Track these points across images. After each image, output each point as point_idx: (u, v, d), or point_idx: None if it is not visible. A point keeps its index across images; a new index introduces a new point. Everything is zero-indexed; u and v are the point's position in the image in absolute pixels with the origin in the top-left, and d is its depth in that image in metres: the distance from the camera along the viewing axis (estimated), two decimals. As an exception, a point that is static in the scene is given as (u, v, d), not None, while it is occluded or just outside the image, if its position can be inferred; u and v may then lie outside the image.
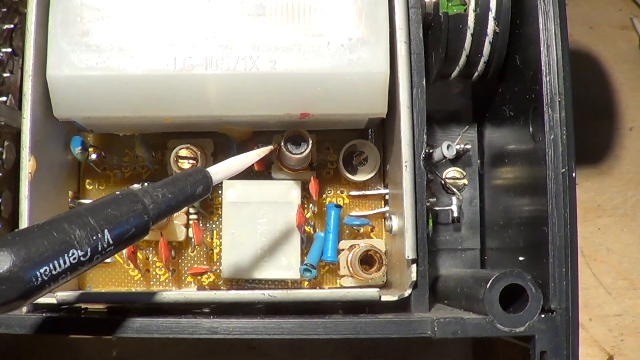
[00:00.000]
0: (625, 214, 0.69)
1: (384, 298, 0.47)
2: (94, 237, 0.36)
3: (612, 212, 0.69)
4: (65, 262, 0.34)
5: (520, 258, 0.49)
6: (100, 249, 0.36)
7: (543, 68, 0.45)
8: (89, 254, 0.36)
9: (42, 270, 0.33)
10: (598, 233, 0.69)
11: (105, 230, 0.37)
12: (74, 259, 0.35)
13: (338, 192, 0.56)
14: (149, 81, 0.46)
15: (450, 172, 0.58)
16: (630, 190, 0.70)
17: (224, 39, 0.46)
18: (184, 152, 0.51)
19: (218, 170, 0.44)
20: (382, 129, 0.55)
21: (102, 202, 0.38)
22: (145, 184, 0.55)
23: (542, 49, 0.46)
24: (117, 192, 0.39)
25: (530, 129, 0.47)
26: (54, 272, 0.34)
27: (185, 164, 0.51)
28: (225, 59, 0.46)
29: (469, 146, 0.57)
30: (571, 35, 0.75)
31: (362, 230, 0.55)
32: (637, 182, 0.70)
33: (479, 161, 0.59)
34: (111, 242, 0.37)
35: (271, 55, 0.46)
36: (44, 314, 0.45)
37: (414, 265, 0.47)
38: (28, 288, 0.33)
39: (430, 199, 0.56)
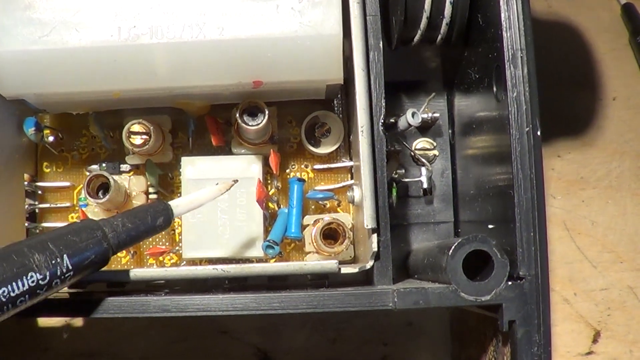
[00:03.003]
0: (610, 186, 0.67)
1: (344, 270, 0.45)
2: (53, 262, 0.36)
3: (596, 184, 0.67)
4: (23, 285, 0.35)
5: (490, 226, 0.47)
6: (59, 273, 0.37)
7: (503, 23, 0.43)
8: (47, 277, 0.36)
9: (1, 292, 0.34)
10: (582, 205, 0.66)
11: (65, 256, 0.37)
12: (33, 282, 0.35)
13: (302, 166, 0.54)
14: (93, 53, 0.45)
15: (420, 143, 0.56)
16: (614, 161, 0.68)
17: (168, 6, 0.45)
18: (136, 127, 0.49)
19: (179, 204, 0.45)
20: (346, 100, 0.54)
21: (62, 230, 0.39)
22: (104, 164, 0.53)
23: (501, 3, 0.44)
24: (78, 221, 0.40)
25: (494, 89, 0.45)
26: (12, 294, 0.34)
27: (137, 140, 0.49)
28: (170, 27, 0.45)
29: (437, 115, 0.55)
30: (551, 6, 0.74)
31: (328, 205, 0.53)
32: (621, 152, 0.68)
33: (450, 131, 0.57)
34: (70, 267, 0.37)
35: (218, 22, 0.45)
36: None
37: (375, 235, 0.45)
38: None
39: (399, 171, 0.55)
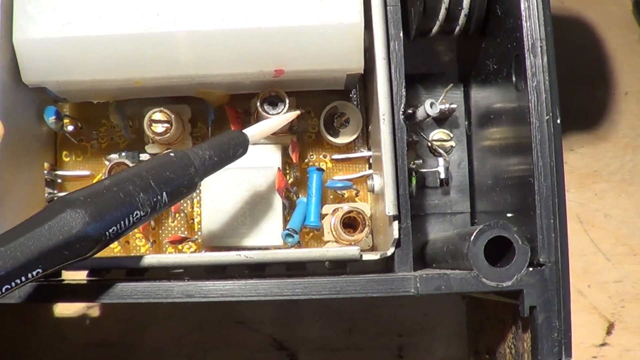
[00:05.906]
0: (623, 179, 0.67)
1: (366, 257, 0.46)
2: (155, 199, 0.39)
3: (609, 177, 0.67)
4: (129, 222, 0.38)
5: (509, 215, 0.48)
6: (157, 208, 0.39)
7: (523, 13, 0.44)
8: (148, 213, 0.39)
9: (110, 230, 0.37)
10: (595, 199, 0.67)
11: (164, 193, 0.39)
12: (137, 218, 0.38)
13: (321, 156, 0.54)
14: (116, 41, 0.45)
15: (437, 134, 0.57)
16: (627, 155, 0.68)
17: (192, -5, 0.45)
18: (157, 116, 0.49)
19: (254, 133, 0.46)
20: (365, 92, 0.54)
21: (160, 164, 0.40)
22: (123, 153, 0.54)
23: (521, -7, 0.44)
24: (172, 154, 0.41)
25: (514, 79, 0.46)
26: (119, 231, 0.37)
27: (159, 128, 0.49)
28: (194, 15, 0.45)
29: (454, 105, 0.55)
30: (563, 2, 0.74)
31: (346, 195, 0.54)
32: (633, 146, 0.68)
33: (466, 122, 0.57)
34: (167, 202, 0.40)
35: (241, 10, 0.45)
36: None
37: (396, 223, 0.45)
38: (97, 246, 0.36)
39: (416, 161, 0.55)
